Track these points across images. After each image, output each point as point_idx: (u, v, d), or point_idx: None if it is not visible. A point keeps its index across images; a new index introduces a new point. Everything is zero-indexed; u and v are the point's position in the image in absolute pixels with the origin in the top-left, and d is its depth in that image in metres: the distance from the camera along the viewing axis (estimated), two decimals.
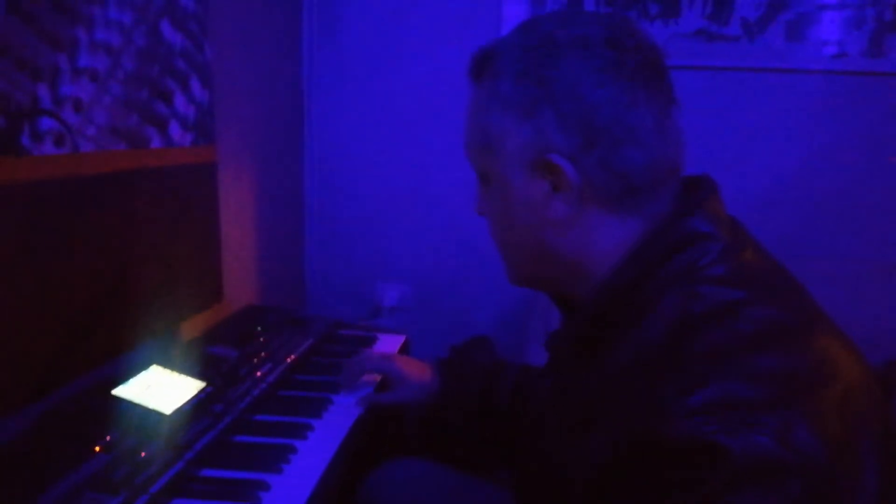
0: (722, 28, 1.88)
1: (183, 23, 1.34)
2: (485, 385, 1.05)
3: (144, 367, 1.07)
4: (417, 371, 1.11)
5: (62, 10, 1.04)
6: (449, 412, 1.06)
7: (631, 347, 0.60)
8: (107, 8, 1.14)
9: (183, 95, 1.37)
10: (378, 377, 1.18)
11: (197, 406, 1.01)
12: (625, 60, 0.61)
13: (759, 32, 1.87)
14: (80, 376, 1.09)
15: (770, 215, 1.93)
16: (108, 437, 0.89)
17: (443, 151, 2.05)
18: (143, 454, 0.87)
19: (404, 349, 1.45)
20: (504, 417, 1.03)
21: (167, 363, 1.09)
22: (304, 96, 2.08)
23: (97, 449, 0.86)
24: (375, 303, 2.13)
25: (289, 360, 1.23)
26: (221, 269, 1.57)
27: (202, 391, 1.05)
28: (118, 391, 0.99)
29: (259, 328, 1.35)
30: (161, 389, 1.02)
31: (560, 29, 0.63)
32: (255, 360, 1.21)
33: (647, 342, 0.59)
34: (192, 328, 1.42)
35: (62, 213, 1.06)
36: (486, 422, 1.05)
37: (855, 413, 0.53)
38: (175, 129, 1.35)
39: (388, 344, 1.44)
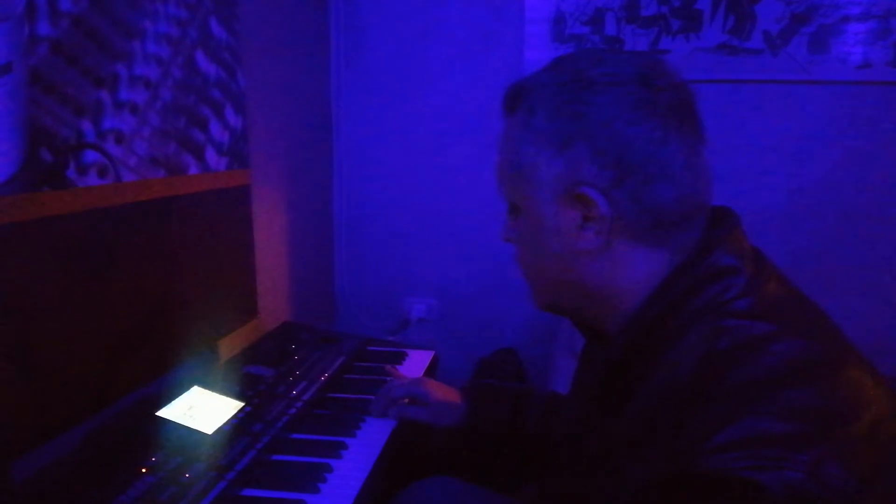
0: (744, 42, 1.88)
1: (217, 53, 1.39)
2: (512, 412, 1.07)
3: (186, 387, 1.12)
4: (445, 396, 1.13)
5: (103, 48, 1.09)
6: (477, 438, 1.08)
7: (660, 382, 0.61)
8: (145, 43, 1.19)
9: (218, 122, 1.42)
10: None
11: (237, 426, 1.05)
12: (657, 98, 0.63)
13: (782, 45, 1.87)
14: (127, 395, 1.14)
15: (794, 227, 1.94)
16: (153, 459, 0.93)
17: (467, 168, 2.09)
18: (186, 475, 0.91)
19: (433, 365, 1.47)
20: (531, 443, 1.05)
21: (208, 384, 1.14)
22: (332, 117, 2.13)
23: (143, 470, 0.90)
24: (403, 316, 2.17)
25: (322, 378, 1.27)
26: (256, 285, 1.62)
27: (241, 411, 1.09)
28: (163, 412, 1.03)
29: (293, 346, 1.39)
30: (202, 410, 1.06)
31: (593, 67, 0.65)
32: (291, 378, 1.25)
33: (676, 376, 0.60)
34: (229, 346, 1.47)
35: (106, 240, 1.10)
36: (513, 446, 1.07)
37: (884, 443, 0.54)
38: (211, 155, 1.40)
39: (418, 359, 1.46)
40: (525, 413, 1.07)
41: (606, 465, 0.67)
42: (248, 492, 0.92)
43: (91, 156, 1.07)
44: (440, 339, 2.16)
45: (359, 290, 2.25)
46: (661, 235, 0.65)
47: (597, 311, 0.71)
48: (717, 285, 0.62)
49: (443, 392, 1.14)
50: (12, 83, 0.93)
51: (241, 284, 1.57)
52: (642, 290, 0.66)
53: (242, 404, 1.10)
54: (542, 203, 0.68)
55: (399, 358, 1.45)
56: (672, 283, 0.64)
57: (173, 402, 1.06)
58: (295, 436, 1.08)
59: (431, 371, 1.45)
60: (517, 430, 1.06)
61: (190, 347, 1.31)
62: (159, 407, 1.05)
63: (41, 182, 0.98)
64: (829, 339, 0.63)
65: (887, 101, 1.86)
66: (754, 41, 1.89)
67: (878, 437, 0.54)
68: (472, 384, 1.16)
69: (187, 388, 1.12)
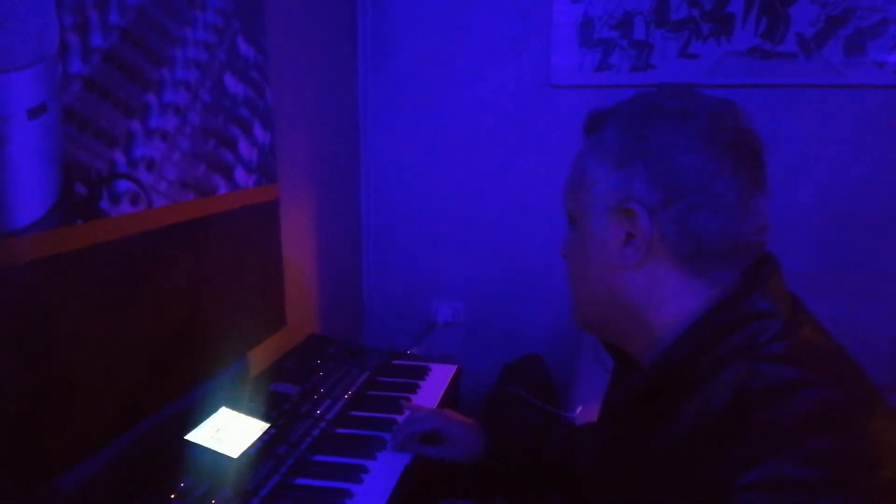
0: (777, 45, 1.85)
1: (245, 73, 1.42)
2: (531, 446, 1.09)
3: (215, 407, 1.16)
4: (464, 430, 1.14)
5: (134, 79, 1.12)
6: (496, 470, 1.10)
7: (690, 417, 0.63)
8: (174, 70, 1.22)
9: (246, 141, 1.45)
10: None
11: (262, 448, 1.09)
12: (720, 134, 0.66)
13: (816, 48, 1.83)
14: (161, 409, 1.19)
15: (827, 232, 1.91)
16: (182, 484, 0.98)
17: (494, 173, 2.10)
18: (213, 501, 0.95)
19: (456, 379, 1.50)
20: (552, 473, 1.07)
21: (235, 404, 1.18)
22: (359, 124, 2.15)
23: (173, 496, 0.95)
24: (430, 319, 2.20)
25: (346, 396, 1.30)
26: (284, 295, 1.66)
27: (266, 433, 1.13)
28: (191, 436, 1.08)
29: (318, 361, 1.43)
30: (229, 432, 1.10)
31: (669, 99, 0.69)
32: (315, 396, 1.28)
33: (707, 413, 0.62)
34: (260, 355, 1.51)
35: (139, 265, 1.15)
36: (533, 477, 1.09)
37: None
38: (240, 174, 1.43)
39: (441, 374, 1.49)
40: (546, 446, 1.09)
41: (632, 492, 0.69)
42: None
43: (123, 185, 1.11)
44: (466, 344, 2.19)
45: (386, 294, 2.28)
46: (701, 265, 0.67)
47: (632, 334, 0.74)
48: (752, 327, 0.64)
49: (461, 425, 1.15)
50: (47, 122, 0.96)
51: (270, 296, 1.61)
52: (677, 323, 0.68)
53: (268, 425, 1.14)
54: (594, 214, 0.72)
55: (422, 373, 1.48)
56: (707, 322, 0.66)
57: (202, 425, 1.10)
58: (318, 457, 1.12)
59: (454, 385, 1.48)
60: (537, 462, 1.08)
61: (220, 360, 1.36)
62: (189, 427, 1.10)
63: (76, 215, 1.02)
64: (857, 388, 0.64)
65: None
66: (788, 44, 1.85)
67: None
68: (490, 419, 1.18)
69: (216, 408, 1.16)
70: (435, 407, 1.31)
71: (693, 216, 0.65)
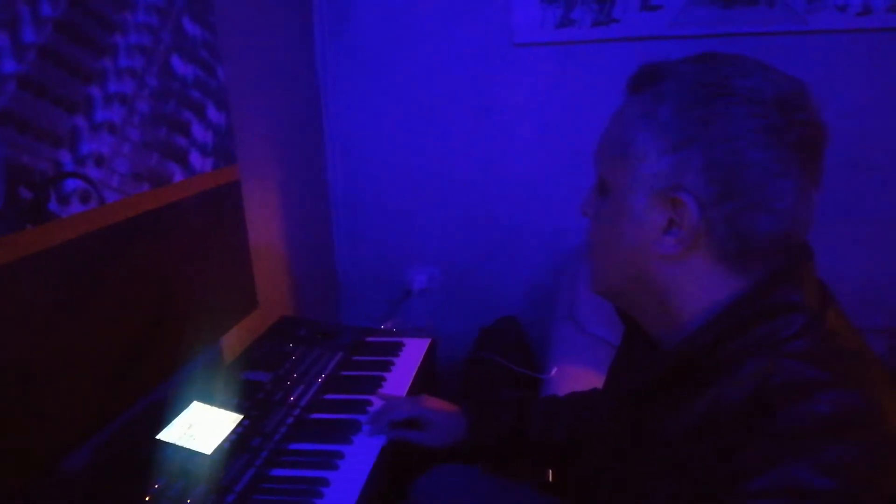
0: None
1: (193, 53, 1.37)
2: (512, 427, 1.10)
3: (186, 402, 1.15)
4: (445, 417, 1.14)
5: (74, 73, 1.07)
6: (479, 451, 1.11)
7: (707, 407, 0.62)
8: (117, 58, 1.17)
9: (200, 124, 1.40)
10: None
11: (235, 442, 1.09)
12: (790, 129, 0.61)
13: None
14: (133, 404, 1.17)
15: None
16: (156, 486, 0.98)
17: (461, 135, 2.07)
18: (188, 500, 0.96)
19: (430, 352, 1.50)
20: (535, 448, 1.09)
21: (207, 396, 1.17)
22: (320, 92, 2.09)
23: (147, 499, 0.95)
24: (405, 287, 2.19)
25: (319, 380, 1.30)
26: (254, 276, 1.64)
27: (240, 425, 1.13)
28: (163, 434, 1.07)
29: (291, 345, 1.42)
30: (202, 428, 1.10)
31: (738, 77, 0.62)
32: (288, 382, 1.28)
33: (725, 404, 0.60)
34: (233, 343, 1.50)
35: (97, 264, 1.12)
36: (517, 452, 1.11)
37: None
38: (195, 158, 1.39)
39: (415, 348, 1.49)
40: (526, 424, 1.09)
41: (645, 475, 0.69)
42: None
43: (71, 184, 1.07)
44: (442, 309, 2.19)
45: (360, 265, 2.27)
46: (743, 263, 0.64)
47: (654, 313, 0.71)
48: (778, 321, 0.62)
49: (441, 413, 1.15)
50: None
51: (239, 279, 1.59)
52: (705, 312, 0.66)
53: (241, 417, 1.14)
54: (636, 193, 0.67)
55: (396, 349, 1.48)
56: (735, 310, 0.64)
57: (173, 423, 1.10)
58: (293, 446, 1.12)
59: (429, 359, 1.48)
60: (519, 442, 1.09)
61: (192, 349, 1.34)
62: (160, 425, 1.09)
63: (24, 220, 0.99)
64: (876, 386, 0.62)
65: (888, 47, 1.81)
66: None
67: None
68: (470, 401, 1.18)
69: (188, 403, 1.15)
70: (411, 393, 1.31)
71: (746, 216, 0.62)
